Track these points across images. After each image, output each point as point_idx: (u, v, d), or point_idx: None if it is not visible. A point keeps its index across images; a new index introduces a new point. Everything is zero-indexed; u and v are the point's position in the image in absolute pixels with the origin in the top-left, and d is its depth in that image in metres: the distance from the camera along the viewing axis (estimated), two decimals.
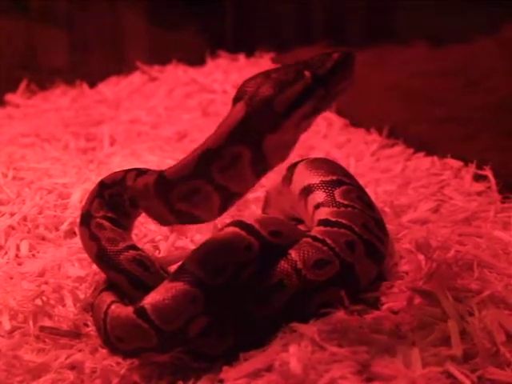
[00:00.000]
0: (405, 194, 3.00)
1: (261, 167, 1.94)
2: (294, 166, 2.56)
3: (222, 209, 1.99)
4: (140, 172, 2.24)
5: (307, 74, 1.93)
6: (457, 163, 3.23)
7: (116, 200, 2.29)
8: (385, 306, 2.14)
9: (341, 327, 1.94)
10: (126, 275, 2.18)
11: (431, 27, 4.00)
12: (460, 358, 1.88)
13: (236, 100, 1.96)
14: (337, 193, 2.37)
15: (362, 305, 2.09)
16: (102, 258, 2.23)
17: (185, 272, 2.02)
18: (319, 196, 2.38)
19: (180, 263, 2.11)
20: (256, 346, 1.99)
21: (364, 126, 3.87)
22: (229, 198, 1.97)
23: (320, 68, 1.94)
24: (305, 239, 2.16)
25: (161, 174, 1.98)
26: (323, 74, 1.94)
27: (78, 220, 2.73)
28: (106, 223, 2.28)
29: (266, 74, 1.98)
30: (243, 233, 2.12)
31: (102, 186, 2.35)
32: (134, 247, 2.25)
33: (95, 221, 2.29)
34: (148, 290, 2.07)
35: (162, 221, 2.06)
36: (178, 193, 1.95)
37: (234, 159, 1.91)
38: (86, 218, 2.32)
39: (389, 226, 2.45)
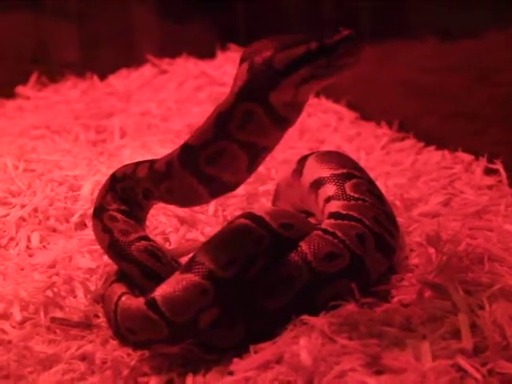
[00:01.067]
0: (415, 187, 3.00)
1: (278, 121, 2.00)
2: (304, 159, 2.56)
3: (251, 167, 2.04)
4: (151, 162, 2.23)
5: (313, 41, 1.97)
6: (467, 157, 3.23)
7: (128, 194, 2.29)
8: (395, 299, 2.14)
9: (351, 320, 1.94)
10: (138, 265, 2.18)
11: (441, 22, 3.98)
12: (470, 352, 1.88)
13: (242, 61, 2.04)
14: (347, 186, 2.37)
15: (373, 298, 2.09)
16: (114, 248, 2.24)
17: (196, 264, 2.03)
18: (330, 189, 2.38)
19: (191, 255, 2.12)
20: (266, 338, 1.99)
21: (374, 119, 3.86)
22: (256, 154, 2.02)
23: (327, 39, 1.97)
24: (315, 232, 2.17)
25: (184, 146, 2.05)
26: (328, 44, 1.97)
27: (90, 212, 2.77)
28: (119, 215, 2.28)
29: (272, 38, 2.05)
30: (254, 225, 2.13)
31: (114, 179, 2.34)
32: (145, 238, 2.25)
33: (108, 213, 2.29)
34: (159, 280, 2.08)
35: (187, 198, 2.11)
36: (204, 157, 2.01)
37: (248, 116, 1.98)
38: (98, 211, 2.33)
39: (399, 220, 2.46)
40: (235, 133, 2.00)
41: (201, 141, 2.03)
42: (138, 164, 2.30)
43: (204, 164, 2.02)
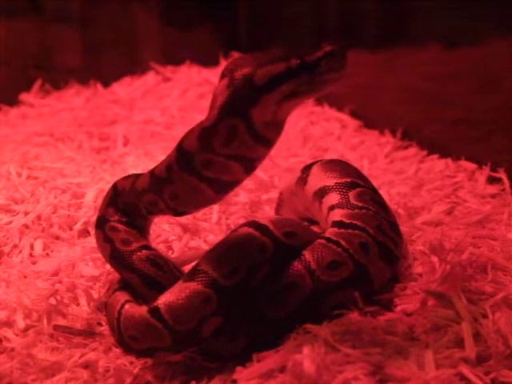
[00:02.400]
0: (418, 195, 3.00)
1: (260, 139, 1.98)
2: (308, 167, 2.56)
3: (247, 170, 2.04)
4: (150, 171, 2.21)
5: (294, 58, 1.96)
6: (471, 165, 3.22)
7: (130, 208, 2.28)
8: (398, 308, 2.14)
9: (354, 328, 1.94)
10: (140, 275, 2.18)
11: (444, 29, 3.98)
12: (473, 361, 1.88)
13: (222, 76, 2.02)
14: (351, 195, 2.37)
15: (376, 306, 2.09)
16: (115, 258, 2.24)
17: (199, 272, 2.03)
18: (334, 198, 2.38)
19: (194, 263, 2.12)
20: (269, 347, 1.99)
21: (377, 127, 3.86)
22: (248, 162, 2.02)
23: (308, 56, 1.97)
24: (319, 240, 2.17)
25: (179, 149, 2.05)
26: (309, 60, 1.96)
27: (93, 220, 2.77)
28: (121, 226, 2.28)
29: (252, 54, 2.04)
30: (257, 233, 2.12)
31: (115, 192, 2.33)
32: (147, 247, 2.25)
33: (110, 224, 2.29)
34: (162, 289, 2.08)
35: (194, 200, 2.10)
36: (199, 162, 2.02)
37: (231, 132, 1.97)
38: (101, 222, 2.33)
39: (402, 228, 2.45)
40: (219, 149, 1.99)
41: (191, 149, 2.03)
42: (136, 177, 2.28)
43: (200, 167, 2.02)
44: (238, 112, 1.96)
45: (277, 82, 1.95)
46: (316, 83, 1.98)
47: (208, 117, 2.01)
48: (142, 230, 2.32)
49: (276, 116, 1.98)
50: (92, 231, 2.82)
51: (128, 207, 2.28)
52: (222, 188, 2.08)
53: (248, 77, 1.96)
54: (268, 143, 2.01)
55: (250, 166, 2.03)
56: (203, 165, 2.02)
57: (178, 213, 2.20)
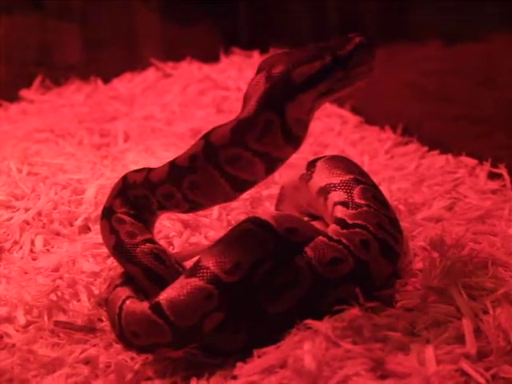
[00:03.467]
0: (419, 191, 3.00)
1: (290, 137, 2.02)
2: (313, 163, 2.56)
3: (268, 171, 2.07)
4: (169, 162, 2.21)
5: (327, 54, 2.01)
6: (471, 161, 3.22)
7: (140, 201, 2.28)
8: (399, 304, 2.14)
9: (355, 324, 1.94)
10: (142, 268, 2.18)
11: (445, 25, 3.98)
12: (474, 356, 1.88)
13: (258, 71, 2.08)
14: (355, 193, 2.37)
15: (377, 302, 2.08)
16: (119, 250, 2.24)
17: (200, 268, 2.03)
18: (338, 195, 2.39)
19: (194, 259, 2.12)
20: (270, 343, 1.99)
21: (378, 123, 3.86)
22: (272, 162, 2.05)
23: (340, 50, 2.02)
24: (320, 238, 2.17)
25: (206, 141, 2.07)
26: (343, 55, 2.02)
27: (93, 216, 2.80)
28: (127, 218, 2.28)
29: (287, 52, 2.08)
30: (259, 229, 2.13)
31: (126, 184, 2.32)
32: (151, 240, 2.25)
33: (116, 216, 2.29)
34: (163, 283, 2.09)
35: (213, 193, 2.12)
36: (224, 157, 2.04)
37: (267, 126, 2.00)
38: (107, 212, 2.32)
39: (403, 224, 2.46)
40: (251, 143, 2.02)
41: (219, 142, 2.04)
42: (149, 170, 2.28)
43: (223, 163, 2.04)
44: (275, 106, 2.00)
45: (313, 81, 2.01)
46: (349, 78, 2.05)
47: (244, 110, 2.04)
48: (148, 225, 2.32)
49: (309, 113, 2.04)
50: (93, 227, 2.83)
51: (138, 200, 2.28)
52: (239, 186, 2.10)
53: (286, 75, 2.01)
54: (296, 142, 2.05)
55: (271, 167, 2.06)
56: (227, 160, 2.04)
57: (192, 206, 2.20)
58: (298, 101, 2.00)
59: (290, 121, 2.01)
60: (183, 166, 2.12)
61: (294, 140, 2.04)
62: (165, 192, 2.20)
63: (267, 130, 2.00)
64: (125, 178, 2.33)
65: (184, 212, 2.29)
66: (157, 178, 2.21)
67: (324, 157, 2.59)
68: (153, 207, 2.26)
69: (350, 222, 2.25)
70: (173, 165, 2.17)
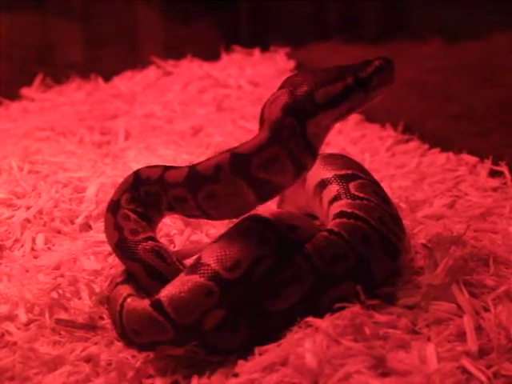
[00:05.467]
0: (420, 189, 3.00)
1: (308, 146, 2.14)
2: None
3: (296, 176, 2.15)
4: (190, 167, 2.21)
5: (349, 76, 2.13)
6: (472, 159, 3.22)
7: (151, 198, 2.28)
8: (400, 302, 2.13)
9: (356, 322, 1.94)
10: (143, 264, 2.18)
11: (447, 23, 3.98)
12: (475, 354, 1.88)
13: (281, 87, 2.19)
14: (351, 186, 2.37)
15: (378, 300, 2.08)
16: (121, 247, 2.24)
17: (201, 265, 2.03)
18: (333, 190, 2.39)
19: (194, 257, 2.12)
20: (271, 340, 1.99)
21: (379, 121, 3.86)
22: (300, 168, 2.14)
23: (362, 72, 2.14)
24: (321, 233, 2.17)
25: (234, 153, 2.11)
26: (364, 77, 2.14)
27: (94, 214, 2.78)
28: (132, 215, 2.27)
29: (312, 72, 2.21)
30: (260, 227, 2.13)
31: (138, 179, 2.30)
32: (153, 238, 2.25)
33: (123, 211, 2.28)
34: (163, 280, 2.10)
35: (231, 204, 2.14)
36: (257, 163, 2.08)
37: (292, 129, 2.10)
38: (114, 206, 2.30)
39: (404, 222, 2.45)
40: (287, 141, 2.09)
41: (254, 148, 2.08)
42: (165, 168, 2.27)
43: (256, 169, 2.08)
44: (297, 116, 2.11)
45: (336, 101, 2.14)
46: (369, 98, 2.17)
47: (270, 116, 2.12)
48: (152, 224, 2.32)
49: (327, 129, 2.18)
50: (94, 225, 2.83)
51: (149, 197, 2.27)
52: (267, 193, 2.14)
53: (309, 92, 2.13)
54: (313, 152, 2.15)
55: (299, 171, 2.14)
56: (261, 165, 2.08)
57: (201, 215, 2.22)
58: (318, 117, 2.13)
59: (309, 134, 2.12)
60: (205, 174, 2.13)
61: (311, 149, 2.14)
62: (178, 195, 2.20)
63: (293, 134, 2.09)
64: (136, 174, 2.32)
65: (190, 218, 2.29)
66: (173, 179, 2.21)
67: (320, 154, 2.59)
68: (162, 207, 2.26)
69: (348, 210, 2.25)
70: (193, 171, 2.17)
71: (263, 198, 2.15)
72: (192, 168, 2.17)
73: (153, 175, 2.26)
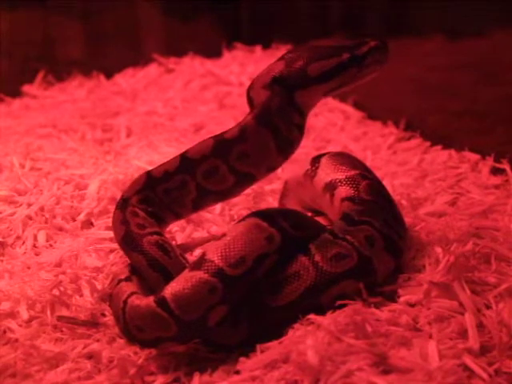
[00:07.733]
0: (422, 186, 3.00)
1: (297, 111, 2.27)
2: (317, 159, 2.57)
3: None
4: (215, 138, 2.30)
5: (345, 53, 2.25)
6: (474, 156, 3.22)
7: (174, 194, 2.33)
8: (402, 299, 2.14)
9: (358, 319, 1.94)
10: (147, 257, 2.19)
11: (448, 20, 3.98)
12: (477, 351, 1.89)
13: (279, 59, 2.30)
14: (361, 187, 2.38)
15: (380, 297, 2.09)
16: (126, 240, 2.26)
17: (205, 262, 2.03)
18: (345, 190, 2.40)
19: (197, 252, 2.12)
20: (273, 338, 2.00)
21: (381, 118, 3.85)
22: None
23: (357, 50, 2.26)
24: (325, 235, 2.18)
25: (259, 108, 2.25)
26: (359, 54, 2.24)
27: (96, 211, 2.79)
28: (141, 213, 2.30)
29: (310, 47, 2.33)
30: (265, 224, 2.13)
31: (151, 179, 2.36)
32: (158, 233, 2.27)
33: (132, 208, 2.32)
34: (165, 272, 2.13)
35: (261, 158, 2.26)
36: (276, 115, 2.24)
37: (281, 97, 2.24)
38: (124, 203, 2.35)
39: (406, 219, 2.45)
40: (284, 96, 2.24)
41: (266, 104, 2.24)
42: (181, 154, 2.33)
43: (278, 119, 2.23)
44: (286, 86, 2.24)
45: (328, 76, 2.25)
46: (361, 75, 2.27)
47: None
48: (162, 223, 2.37)
49: (318, 99, 2.31)
50: (95, 222, 2.83)
51: (170, 194, 2.35)
52: (286, 148, 2.27)
53: (303, 66, 2.24)
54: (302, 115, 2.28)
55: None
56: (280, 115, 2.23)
57: (237, 180, 2.30)
58: (309, 90, 2.25)
59: (297, 102, 2.25)
60: (234, 137, 2.24)
61: (301, 113, 2.27)
62: (208, 169, 2.29)
63: (282, 101, 2.24)
64: (148, 174, 2.37)
65: (219, 199, 2.42)
66: (198, 154, 2.29)
67: (328, 153, 2.61)
68: (186, 200, 2.35)
69: (356, 218, 2.26)
70: (218, 139, 2.27)
71: (283, 154, 2.27)
72: (219, 137, 2.27)
73: (171, 167, 2.33)
